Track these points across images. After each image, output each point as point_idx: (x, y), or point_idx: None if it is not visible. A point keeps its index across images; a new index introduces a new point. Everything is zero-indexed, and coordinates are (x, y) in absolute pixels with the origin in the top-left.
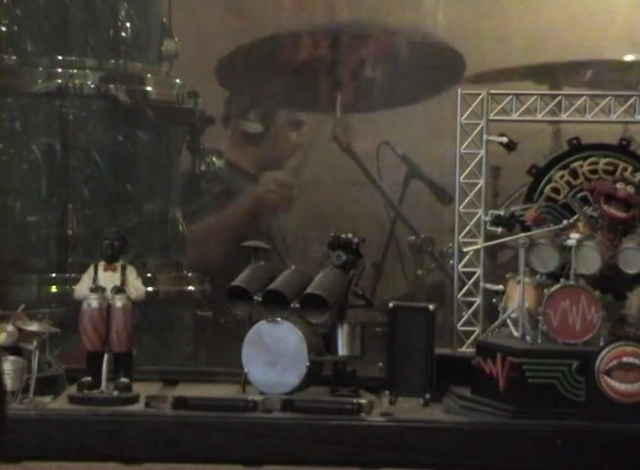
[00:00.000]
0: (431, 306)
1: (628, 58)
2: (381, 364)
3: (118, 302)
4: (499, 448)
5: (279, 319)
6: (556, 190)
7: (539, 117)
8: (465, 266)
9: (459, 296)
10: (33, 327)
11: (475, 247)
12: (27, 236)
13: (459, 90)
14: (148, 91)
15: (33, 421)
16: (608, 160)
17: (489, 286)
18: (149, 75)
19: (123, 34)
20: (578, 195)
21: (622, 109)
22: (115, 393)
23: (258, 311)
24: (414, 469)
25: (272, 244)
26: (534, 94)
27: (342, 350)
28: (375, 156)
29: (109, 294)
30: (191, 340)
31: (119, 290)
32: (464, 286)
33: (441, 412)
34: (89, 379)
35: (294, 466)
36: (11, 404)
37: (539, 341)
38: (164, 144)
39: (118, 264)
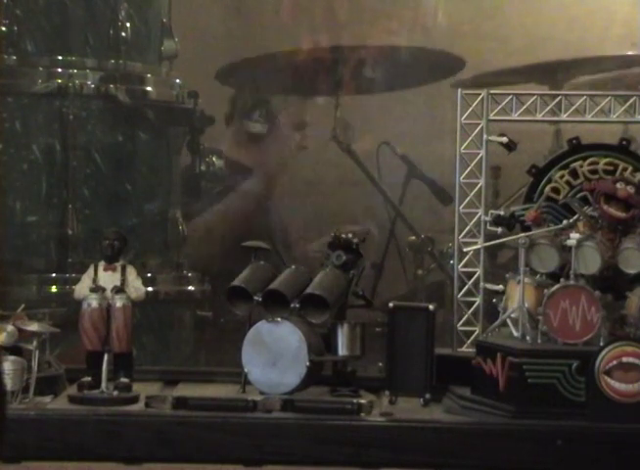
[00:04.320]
0: (431, 306)
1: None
2: (381, 364)
3: (118, 302)
4: (499, 448)
5: (279, 319)
6: (556, 190)
7: (539, 117)
8: (465, 266)
9: (459, 296)
10: (33, 327)
11: (475, 247)
12: (27, 236)
13: (459, 90)
14: (148, 91)
15: (33, 421)
16: (608, 160)
17: (489, 286)
18: (149, 75)
19: (123, 34)
20: (578, 195)
21: (622, 109)
22: (115, 393)
23: (258, 311)
24: (414, 469)
25: (272, 244)
26: (534, 94)
27: (343, 350)
28: (375, 156)
29: (109, 294)
30: (191, 340)
31: (119, 290)
32: (464, 286)
33: (441, 412)
34: (89, 379)
35: (294, 466)
36: (11, 404)
37: (539, 341)
38: (164, 144)
39: (118, 264)
